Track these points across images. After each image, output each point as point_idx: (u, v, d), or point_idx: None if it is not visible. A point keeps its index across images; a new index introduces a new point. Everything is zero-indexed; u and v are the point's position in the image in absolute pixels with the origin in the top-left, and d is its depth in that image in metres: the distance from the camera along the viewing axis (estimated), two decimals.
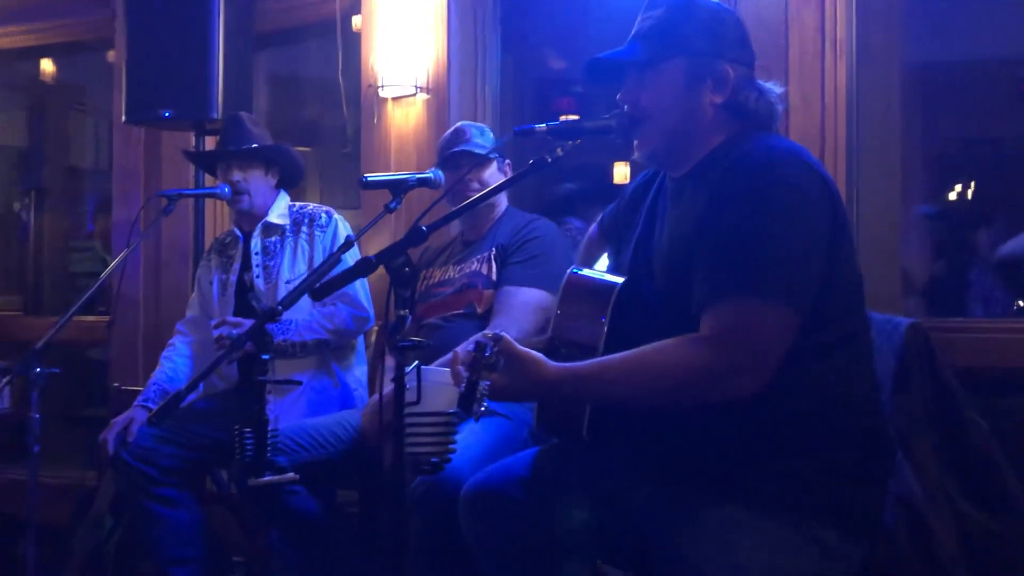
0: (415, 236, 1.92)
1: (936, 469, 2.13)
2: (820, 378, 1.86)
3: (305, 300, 3.23)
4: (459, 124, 3.14)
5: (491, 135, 3.09)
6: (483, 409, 1.76)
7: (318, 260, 3.28)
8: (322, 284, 1.86)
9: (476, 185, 2.98)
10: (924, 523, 2.07)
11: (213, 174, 3.51)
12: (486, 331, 1.86)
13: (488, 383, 1.76)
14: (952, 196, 4.73)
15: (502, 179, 3.03)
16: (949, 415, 2.16)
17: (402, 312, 1.88)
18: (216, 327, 3.12)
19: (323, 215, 3.36)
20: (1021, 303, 3.26)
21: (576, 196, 4.47)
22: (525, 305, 2.82)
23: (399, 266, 1.88)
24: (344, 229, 3.33)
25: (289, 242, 3.35)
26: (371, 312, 3.28)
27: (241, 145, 3.32)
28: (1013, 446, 2.23)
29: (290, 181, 3.50)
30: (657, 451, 1.98)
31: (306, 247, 3.33)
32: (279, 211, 3.40)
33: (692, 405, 1.84)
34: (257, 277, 3.34)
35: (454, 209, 2.08)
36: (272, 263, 3.35)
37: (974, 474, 2.14)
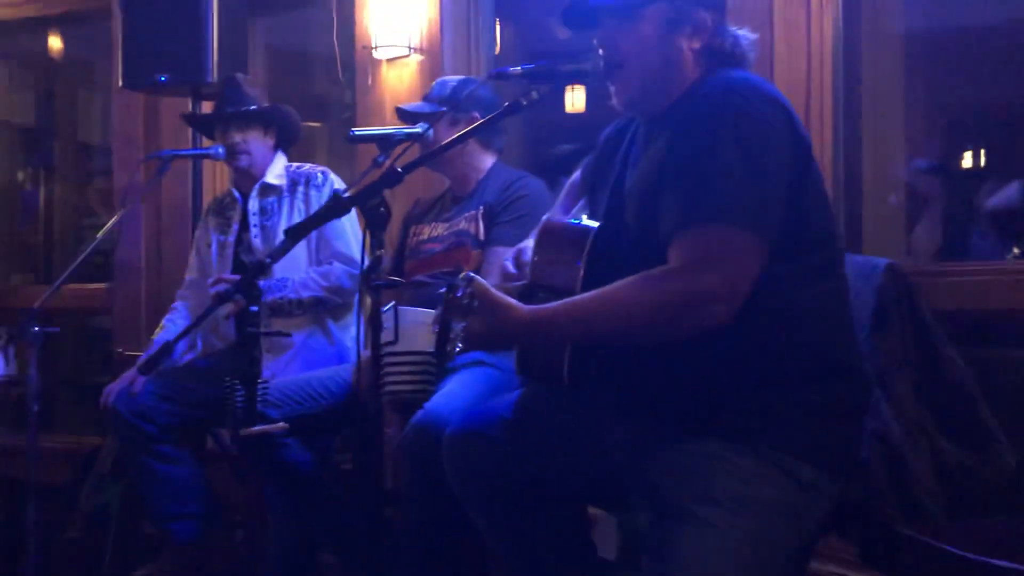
0: (390, 178, 1.94)
1: (914, 406, 2.13)
2: (792, 310, 1.87)
3: (302, 258, 3.28)
4: (437, 80, 3.15)
5: (448, 89, 3.03)
6: (457, 351, 1.77)
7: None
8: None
9: (440, 139, 2.91)
10: (901, 458, 2.07)
11: (211, 137, 3.53)
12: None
13: (462, 325, 1.77)
14: (965, 163, 4.72)
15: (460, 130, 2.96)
16: (927, 353, 2.16)
17: (378, 252, 1.90)
18: (212, 284, 3.16)
19: (319, 175, 3.40)
20: (1016, 251, 3.25)
21: (573, 156, 4.47)
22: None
23: (374, 207, 1.90)
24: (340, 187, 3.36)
25: (286, 202, 3.38)
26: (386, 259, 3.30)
27: (239, 107, 3.35)
28: (995, 389, 2.24)
29: (288, 141, 3.53)
30: (635, 389, 2.00)
31: (302, 207, 3.36)
32: (276, 172, 3.43)
33: (667, 338, 1.85)
34: (255, 237, 3.38)
35: (420, 156, 2.09)
36: (269, 223, 3.38)
37: (952, 411, 2.14)
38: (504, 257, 2.80)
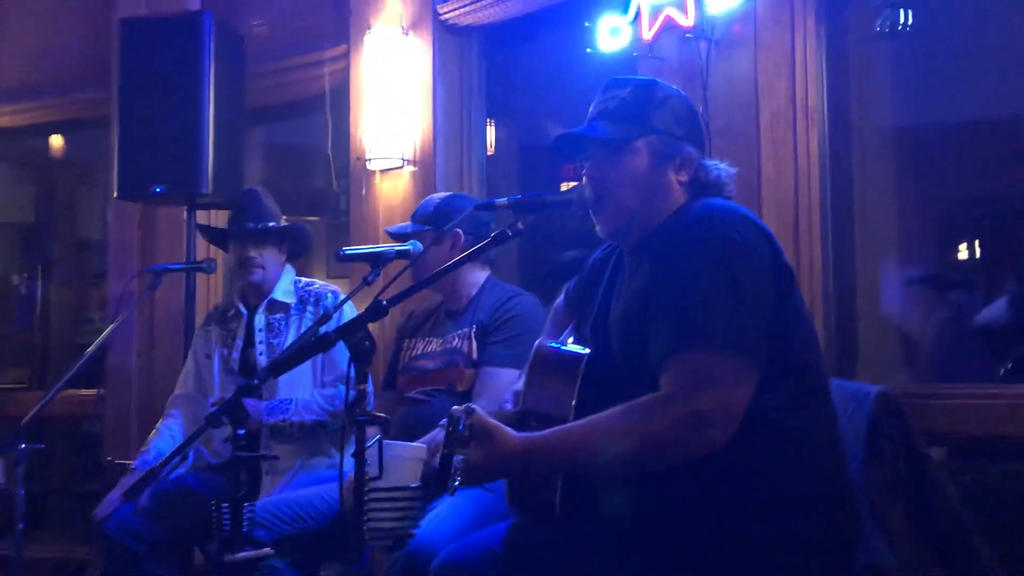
0: (375, 311, 1.94)
1: (909, 538, 2.10)
2: (781, 438, 1.85)
3: (307, 379, 3.25)
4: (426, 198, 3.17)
5: (431, 208, 3.05)
6: (456, 484, 1.75)
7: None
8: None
9: (434, 259, 2.90)
10: None
11: (224, 248, 3.53)
12: (457, 407, 1.86)
13: (461, 458, 1.76)
14: (961, 256, 4.71)
15: (445, 248, 2.99)
16: (921, 484, 2.14)
17: (361, 387, 1.89)
18: (213, 404, 3.12)
19: (328, 295, 3.37)
20: (1009, 365, 3.23)
21: (578, 264, 4.47)
22: (505, 386, 2.77)
23: (358, 341, 1.89)
24: (351, 311, 3.25)
25: (294, 320, 3.35)
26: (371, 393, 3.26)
27: (259, 222, 3.34)
28: (994, 512, 2.20)
29: (298, 255, 3.54)
30: (624, 525, 1.97)
31: (310, 324, 3.31)
32: (284, 287, 3.41)
33: (661, 465, 1.82)
34: (260, 355, 3.33)
35: (410, 286, 2.09)
36: (276, 341, 3.34)
37: (947, 542, 2.12)
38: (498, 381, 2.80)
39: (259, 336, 3.36)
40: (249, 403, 3.09)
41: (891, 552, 2.06)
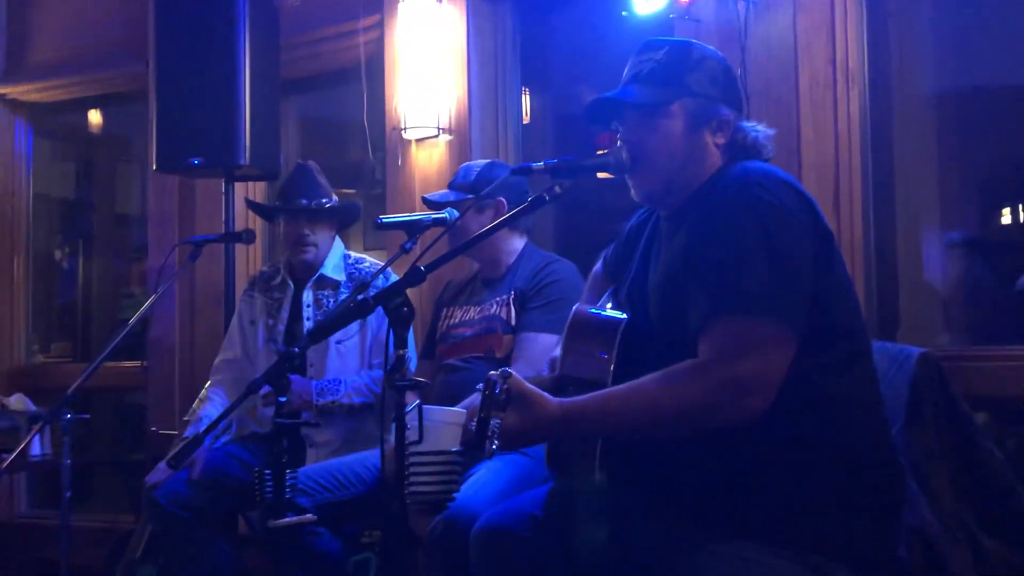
0: (413, 277, 1.94)
1: (952, 501, 2.09)
2: (822, 402, 1.84)
3: (354, 361, 3.26)
4: (463, 165, 3.16)
5: (473, 175, 3.06)
6: (495, 447, 1.76)
7: (371, 324, 3.28)
8: (314, 329, 1.88)
9: (475, 227, 2.91)
10: (941, 556, 2.03)
11: (272, 221, 3.53)
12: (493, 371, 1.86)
13: (498, 422, 1.76)
14: (1004, 220, 4.64)
15: (488, 216, 3.00)
16: (964, 446, 2.13)
17: (400, 352, 1.90)
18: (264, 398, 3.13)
19: (380, 278, 3.25)
20: None
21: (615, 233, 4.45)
22: (543, 351, 2.78)
23: (396, 306, 1.90)
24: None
25: (343, 299, 3.31)
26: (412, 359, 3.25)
27: (313, 200, 3.32)
28: None
29: (345, 226, 3.55)
30: (666, 487, 1.97)
31: None
32: (334, 263, 3.39)
33: (698, 431, 1.82)
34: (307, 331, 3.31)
35: (448, 251, 2.10)
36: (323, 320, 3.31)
37: (991, 505, 2.10)
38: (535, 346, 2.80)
39: (307, 312, 3.35)
40: (300, 383, 3.15)
41: (934, 514, 2.05)
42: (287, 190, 3.39)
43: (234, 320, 3.56)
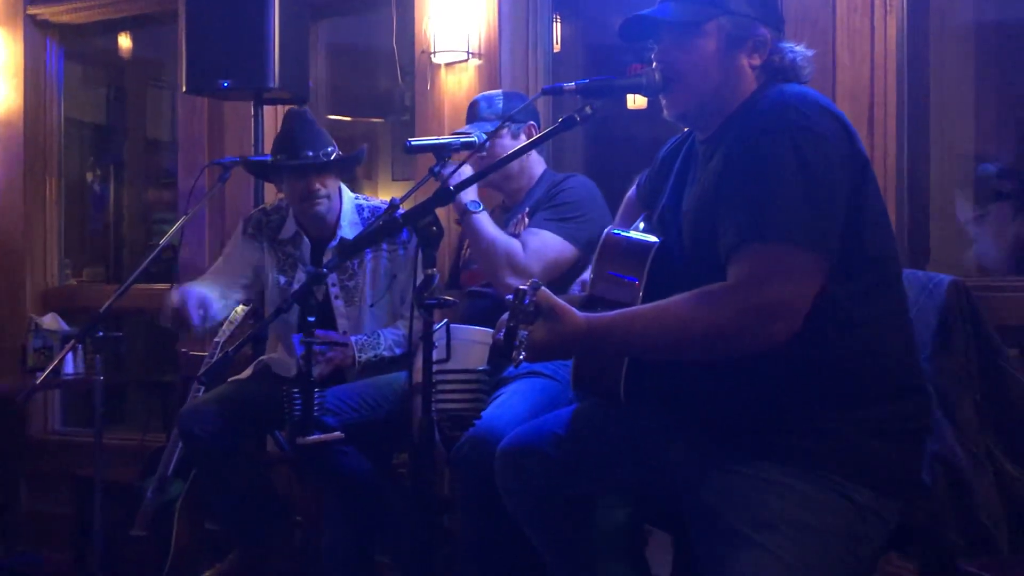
0: (442, 196, 1.95)
1: (978, 429, 2.08)
2: (851, 328, 1.84)
3: (385, 318, 3.26)
4: (475, 98, 3.12)
5: (500, 104, 3.03)
6: (522, 358, 1.77)
7: (402, 279, 3.23)
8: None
9: (504, 151, 2.85)
10: (964, 482, 2.02)
11: (273, 181, 3.42)
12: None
13: (526, 333, 1.77)
14: None
15: (521, 141, 2.98)
16: (992, 374, 2.12)
17: (429, 271, 1.91)
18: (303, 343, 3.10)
19: (405, 232, 3.10)
20: None
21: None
22: (542, 245, 2.79)
23: (426, 225, 1.90)
24: None
25: (368, 263, 3.23)
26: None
27: (318, 150, 3.15)
28: None
29: (351, 172, 3.48)
30: (691, 409, 1.98)
31: (388, 265, 3.23)
32: (349, 219, 3.25)
33: (724, 355, 1.82)
34: (336, 298, 3.25)
35: (480, 170, 2.09)
36: (352, 284, 3.24)
37: (1018, 434, 2.10)
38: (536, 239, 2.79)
39: (331, 278, 3.23)
40: (339, 340, 3.11)
41: (958, 442, 2.05)
42: (287, 142, 3.18)
43: (222, 260, 3.44)
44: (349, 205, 3.29)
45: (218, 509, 3.36)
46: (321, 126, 3.32)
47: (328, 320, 3.23)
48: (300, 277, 3.27)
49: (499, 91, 3.18)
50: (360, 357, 3.11)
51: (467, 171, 2.61)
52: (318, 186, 3.16)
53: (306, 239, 3.30)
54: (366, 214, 3.30)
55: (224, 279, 3.36)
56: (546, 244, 2.80)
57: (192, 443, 3.16)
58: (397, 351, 3.17)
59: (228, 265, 3.40)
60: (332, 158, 3.18)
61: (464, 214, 2.80)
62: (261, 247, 3.36)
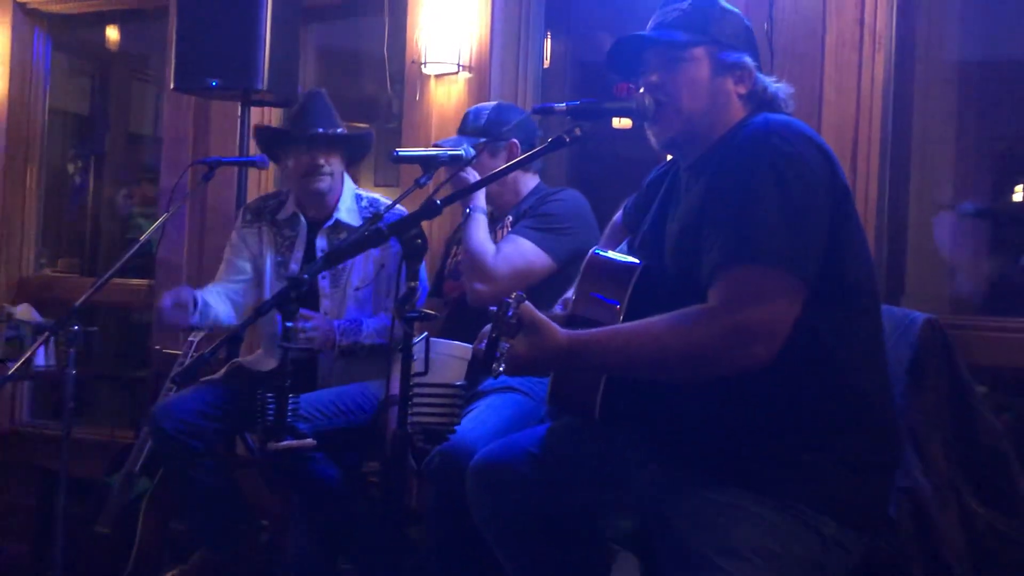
0: (428, 209, 1.95)
1: (946, 466, 2.11)
2: (828, 359, 1.86)
3: (370, 306, 3.24)
4: (469, 108, 3.12)
5: (483, 119, 3.03)
6: (502, 369, 1.77)
7: (390, 269, 3.22)
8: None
9: (488, 169, 2.89)
10: (930, 518, 2.06)
11: (273, 155, 3.38)
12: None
13: (507, 345, 1.78)
14: (1016, 197, 4.64)
15: (501, 159, 2.99)
16: (963, 412, 2.15)
17: (411, 284, 1.91)
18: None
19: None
20: None
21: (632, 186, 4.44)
22: (517, 252, 2.79)
23: (410, 238, 1.91)
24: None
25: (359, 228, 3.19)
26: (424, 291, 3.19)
27: (328, 127, 3.19)
28: None
29: (356, 161, 3.46)
30: (664, 433, 2.00)
31: (377, 253, 3.22)
32: (348, 205, 3.27)
33: (702, 376, 1.84)
34: (323, 278, 3.24)
35: (462, 188, 2.10)
36: (341, 266, 3.22)
37: (985, 473, 2.13)
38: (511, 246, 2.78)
39: (321, 256, 3.21)
40: (322, 322, 3.11)
41: (927, 478, 2.08)
42: (297, 117, 3.23)
43: (228, 251, 3.44)
44: (349, 192, 3.31)
45: (184, 508, 3.35)
46: (335, 111, 3.30)
47: (312, 300, 3.23)
48: (297, 256, 3.29)
49: (491, 103, 3.17)
50: (341, 341, 3.11)
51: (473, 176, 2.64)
52: (323, 161, 3.19)
53: (303, 219, 3.32)
54: (364, 203, 3.32)
55: (225, 281, 3.39)
56: (519, 250, 2.79)
57: (161, 439, 3.14)
58: (377, 340, 3.16)
59: (228, 267, 3.42)
60: (341, 135, 3.23)
61: (464, 215, 2.80)
62: (259, 231, 3.37)
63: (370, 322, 3.19)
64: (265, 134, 3.43)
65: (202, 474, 3.16)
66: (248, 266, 3.39)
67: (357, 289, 3.24)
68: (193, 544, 3.37)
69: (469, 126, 3.05)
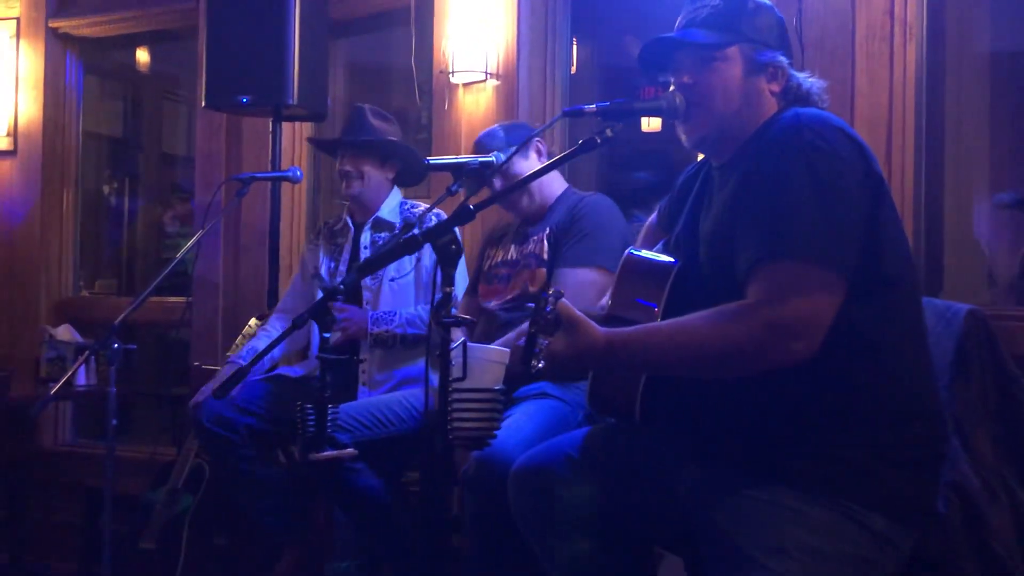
0: (462, 215, 1.95)
1: (994, 459, 2.07)
2: (869, 352, 1.84)
3: (407, 297, 3.31)
4: (476, 139, 3.11)
5: (502, 133, 3.03)
6: (540, 366, 1.76)
7: (425, 264, 3.32)
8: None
9: (519, 173, 2.92)
10: (979, 512, 2.02)
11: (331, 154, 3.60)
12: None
13: (546, 343, 1.77)
14: None
15: (534, 161, 2.99)
16: (1009, 404, 2.11)
17: (447, 289, 1.91)
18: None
19: (433, 219, 3.30)
20: None
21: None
22: (580, 284, 2.78)
23: (445, 244, 1.91)
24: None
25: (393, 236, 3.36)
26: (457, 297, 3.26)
27: (357, 136, 3.38)
28: None
29: (409, 178, 3.55)
30: (706, 433, 1.98)
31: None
32: (390, 207, 3.44)
33: (741, 373, 1.82)
34: None
35: (493, 194, 2.10)
36: None
37: None
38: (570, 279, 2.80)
39: (364, 253, 3.37)
40: (356, 312, 3.21)
41: (974, 471, 2.04)
42: (343, 128, 3.49)
43: (298, 272, 3.62)
44: (394, 198, 3.48)
45: (240, 501, 3.40)
46: (381, 124, 3.45)
47: (355, 294, 3.35)
48: (345, 258, 3.43)
49: (496, 125, 3.16)
50: (372, 329, 3.20)
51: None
52: (349, 167, 3.39)
53: (352, 226, 3.48)
54: (407, 208, 3.47)
55: (289, 301, 3.58)
56: (583, 280, 2.77)
57: (199, 431, 3.26)
58: (409, 331, 3.24)
59: (291, 288, 3.63)
60: (360, 140, 3.39)
61: None
62: (318, 247, 3.55)
63: (404, 312, 3.26)
64: (315, 142, 3.79)
65: (246, 464, 3.24)
66: (308, 284, 3.53)
67: (393, 280, 3.32)
68: (236, 559, 3.40)
69: (490, 147, 3.01)
